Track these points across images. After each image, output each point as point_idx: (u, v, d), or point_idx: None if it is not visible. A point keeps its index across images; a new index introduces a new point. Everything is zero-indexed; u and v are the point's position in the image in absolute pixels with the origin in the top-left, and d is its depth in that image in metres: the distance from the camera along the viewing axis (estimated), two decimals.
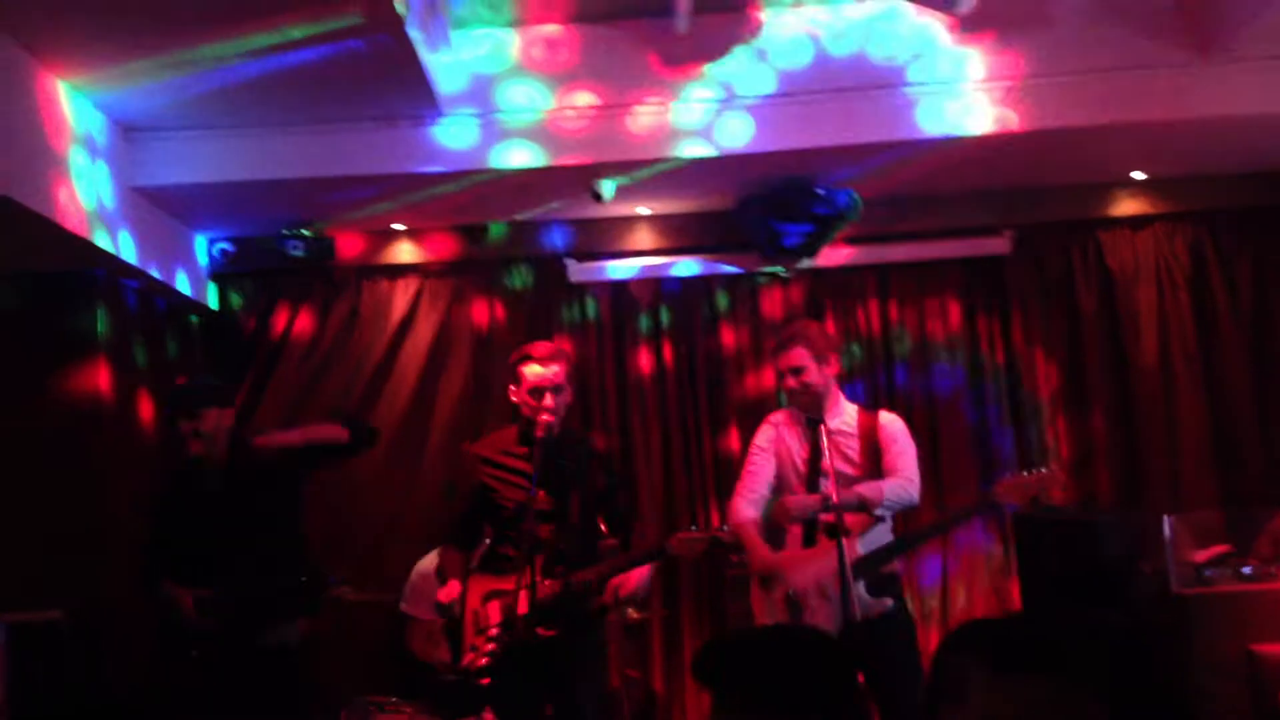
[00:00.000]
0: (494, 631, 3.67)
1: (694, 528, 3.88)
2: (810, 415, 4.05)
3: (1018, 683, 1.35)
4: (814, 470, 4.06)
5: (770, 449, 4.17)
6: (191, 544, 4.11)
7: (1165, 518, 4.65)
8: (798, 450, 4.13)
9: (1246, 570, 4.48)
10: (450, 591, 3.83)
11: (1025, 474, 3.92)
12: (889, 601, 3.90)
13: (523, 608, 3.72)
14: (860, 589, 3.82)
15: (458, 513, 4.05)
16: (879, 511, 3.96)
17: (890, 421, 4.11)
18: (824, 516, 3.90)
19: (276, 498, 4.19)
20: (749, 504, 4.14)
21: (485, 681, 3.87)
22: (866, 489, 3.92)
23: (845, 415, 4.11)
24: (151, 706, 4.35)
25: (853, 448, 4.04)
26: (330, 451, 4.24)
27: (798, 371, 4.04)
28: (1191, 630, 4.37)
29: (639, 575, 3.92)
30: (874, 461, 4.03)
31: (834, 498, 3.70)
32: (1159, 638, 4.53)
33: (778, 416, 4.27)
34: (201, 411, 4.05)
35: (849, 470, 4.01)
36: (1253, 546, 4.74)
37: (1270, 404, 5.73)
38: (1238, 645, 4.30)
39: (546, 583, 3.75)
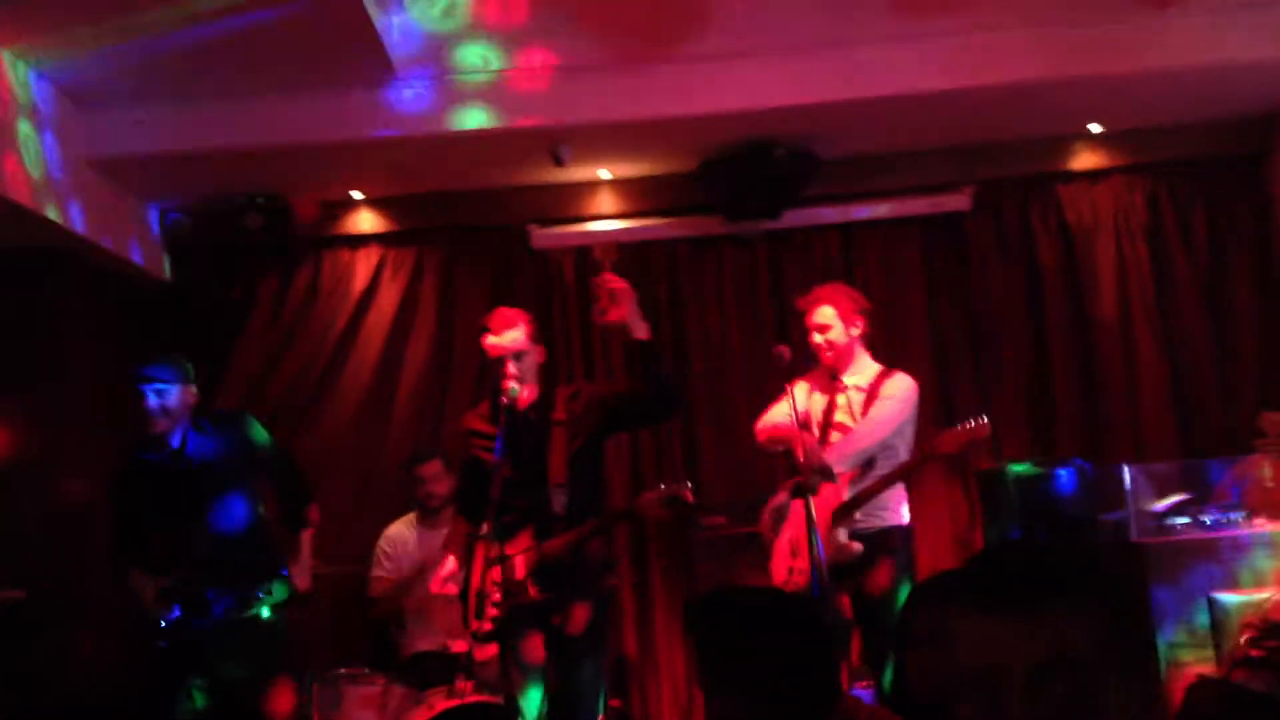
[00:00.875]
0: (496, 596, 3.67)
1: (662, 487, 3.89)
2: (831, 371, 4.29)
3: (1005, 621, 1.35)
4: (826, 424, 4.29)
5: (794, 395, 4.18)
6: (156, 524, 4.08)
7: (1125, 467, 4.70)
8: (815, 405, 4.33)
9: (1207, 519, 4.53)
10: (449, 571, 3.92)
11: (959, 426, 4.04)
12: (857, 546, 4.05)
13: (520, 571, 3.75)
14: (841, 534, 4.03)
15: (460, 489, 4.12)
16: (841, 468, 4.06)
17: (892, 380, 4.26)
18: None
19: (238, 477, 4.17)
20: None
21: (491, 651, 3.87)
22: (827, 452, 4.09)
23: (864, 374, 4.29)
24: (118, 684, 4.32)
25: (858, 404, 4.24)
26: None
27: (823, 330, 4.26)
28: (1152, 578, 4.42)
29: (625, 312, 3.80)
30: None
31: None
32: (1119, 585, 4.59)
33: (812, 374, 4.42)
34: (166, 388, 4.02)
35: (850, 425, 4.22)
36: (1211, 494, 4.80)
37: (1228, 352, 5.79)
38: (1198, 593, 4.36)
39: (547, 544, 3.77)
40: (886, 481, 4.09)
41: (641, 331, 3.80)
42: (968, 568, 1.51)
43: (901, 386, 4.23)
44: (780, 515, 4.29)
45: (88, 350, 5.01)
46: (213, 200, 5.52)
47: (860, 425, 4.19)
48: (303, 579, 4.28)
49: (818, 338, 4.28)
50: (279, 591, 4.12)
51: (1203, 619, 4.35)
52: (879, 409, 4.20)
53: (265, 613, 4.07)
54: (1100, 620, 1.36)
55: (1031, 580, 1.39)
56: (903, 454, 4.17)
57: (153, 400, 4.01)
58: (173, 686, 3.96)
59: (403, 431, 5.73)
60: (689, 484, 3.85)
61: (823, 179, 5.59)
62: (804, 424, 4.10)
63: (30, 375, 4.75)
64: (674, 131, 5.18)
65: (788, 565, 4.26)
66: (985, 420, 3.98)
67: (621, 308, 3.75)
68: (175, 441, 4.09)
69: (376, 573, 5.30)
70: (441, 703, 4.54)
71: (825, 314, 4.26)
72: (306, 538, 4.34)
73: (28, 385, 4.73)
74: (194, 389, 4.18)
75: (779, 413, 4.29)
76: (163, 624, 3.93)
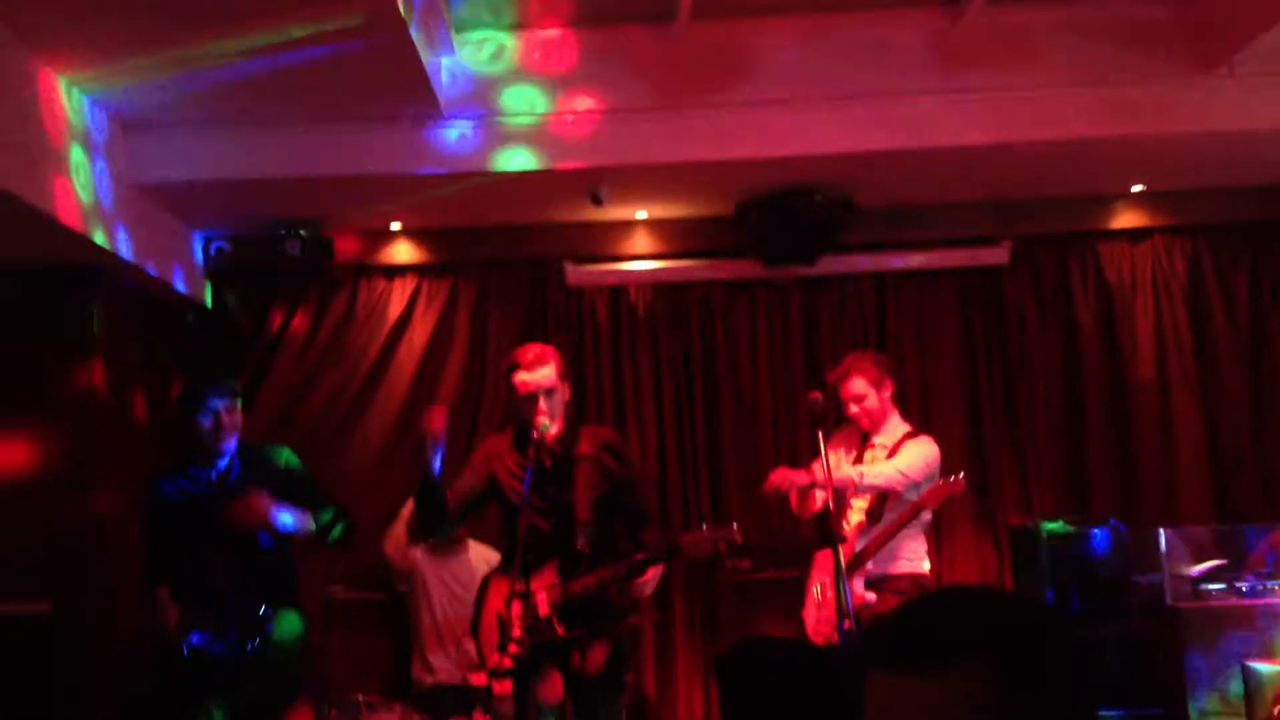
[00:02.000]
0: (518, 632, 3.64)
1: (704, 526, 3.88)
2: (864, 434, 4.58)
3: (909, 681, 1.35)
4: None
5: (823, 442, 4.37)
6: (185, 548, 4.09)
7: (1160, 530, 4.66)
8: (845, 463, 4.56)
9: (1242, 585, 4.48)
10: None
11: (938, 481, 4.32)
12: (871, 596, 4.24)
13: (544, 609, 3.73)
14: (857, 585, 4.21)
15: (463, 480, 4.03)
16: (861, 486, 4.33)
17: (917, 440, 4.51)
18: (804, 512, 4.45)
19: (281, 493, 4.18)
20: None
21: (508, 686, 3.85)
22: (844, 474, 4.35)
23: (892, 434, 4.54)
24: (139, 701, 4.33)
25: (882, 460, 4.47)
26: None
27: (859, 399, 4.53)
28: (1186, 643, 4.37)
29: (653, 574, 3.90)
30: None
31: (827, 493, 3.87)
32: (1153, 650, 4.54)
33: (845, 432, 4.72)
34: (227, 405, 4.06)
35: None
36: (1247, 561, 4.75)
37: (1266, 418, 5.74)
38: (1232, 659, 4.31)
39: (575, 582, 3.76)
40: (889, 533, 4.30)
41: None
42: (894, 622, 1.50)
43: (927, 449, 4.46)
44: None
45: (125, 369, 5.06)
46: (255, 227, 5.58)
47: (878, 465, 4.41)
48: None
49: (854, 408, 4.55)
50: (290, 624, 4.10)
51: (1236, 687, 4.30)
52: (902, 459, 4.40)
53: (281, 636, 4.07)
54: (993, 682, 1.35)
55: (937, 639, 1.39)
56: None
57: (207, 421, 4.04)
58: (192, 707, 3.96)
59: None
60: (735, 524, 3.85)
61: (861, 227, 5.60)
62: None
63: (68, 390, 4.79)
64: (713, 175, 5.19)
65: (815, 617, 4.34)
66: (961, 476, 4.28)
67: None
68: (218, 469, 4.11)
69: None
70: None
71: (858, 386, 4.53)
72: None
73: (65, 399, 4.78)
74: (241, 410, 4.21)
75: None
76: (184, 651, 3.94)
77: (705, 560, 4.09)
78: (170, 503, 4.14)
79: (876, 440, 4.54)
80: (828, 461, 3.97)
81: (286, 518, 3.99)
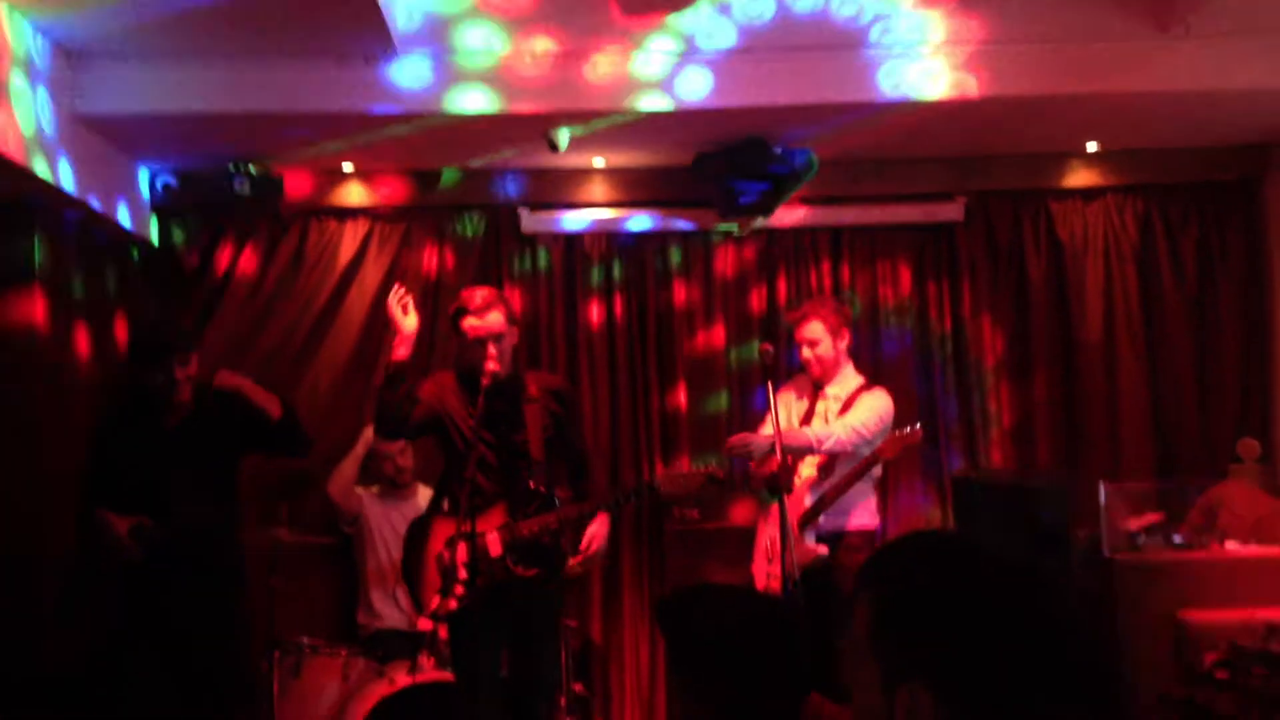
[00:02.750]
0: (463, 574, 3.63)
1: (685, 463, 3.92)
2: (816, 382, 4.53)
3: None
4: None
5: (773, 393, 4.40)
6: (137, 478, 4.06)
7: (1101, 485, 4.73)
8: (795, 411, 4.54)
9: (1177, 539, 4.56)
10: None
11: (895, 432, 4.31)
12: (823, 549, 4.27)
13: (495, 549, 3.73)
14: (808, 538, 4.26)
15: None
16: (819, 450, 4.31)
17: (872, 393, 4.48)
18: (761, 471, 4.33)
19: (225, 444, 4.15)
20: None
21: (445, 631, 3.85)
22: (795, 433, 4.32)
23: (845, 385, 4.53)
24: (85, 644, 4.29)
25: (834, 414, 4.45)
26: (258, 427, 4.20)
27: (813, 345, 4.47)
28: (1121, 595, 4.45)
29: (604, 534, 3.92)
30: None
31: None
32: (1091, 602, 4.62)
33: (797, 380, 4.69)
34: (183, 359, 4.04)
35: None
36: (1185, 516, 4.84)
37: (1210, 377, 5.83)
38: (1166, 611, 4.39)
39: (532, 522, 3.76)
40: (842, 487, 4.22)
41: None
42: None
43: (881, 403, 4.43)
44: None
45: (68, 304, 4.96)
46: (203, 164, 5.47)
47: (833, 425, 4.36)
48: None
49: (806, 353, 4.50)
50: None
51: (1170, 638, 4.38)
52: (856, 415, 4.37)
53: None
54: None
55: None
56: None
57: (161, 377, 4.01)
58: (133, 662, 3.94)
59: None
60: (714, 462, 3.89)
61: (818, 180, 5.58)
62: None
63: (7, 324, 4.69)
64: (671, 124, 5.15)
65: (765, 570, 4.35)
66: (919, 428, 4.27)
67: None
68: (175, 413, 4.09)
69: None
70: (402, 678, 4.54)
71: (814, 330, 4.47)
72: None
73: (4, 334, 4.68)
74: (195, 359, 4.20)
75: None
76: (138, 551, 3.92)
77: (683, 496, 4.10)
78: (120, 438, 4.11)
79: (829, 390, 4.51)
80: (777, 414, 4.00)
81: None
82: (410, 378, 3.92)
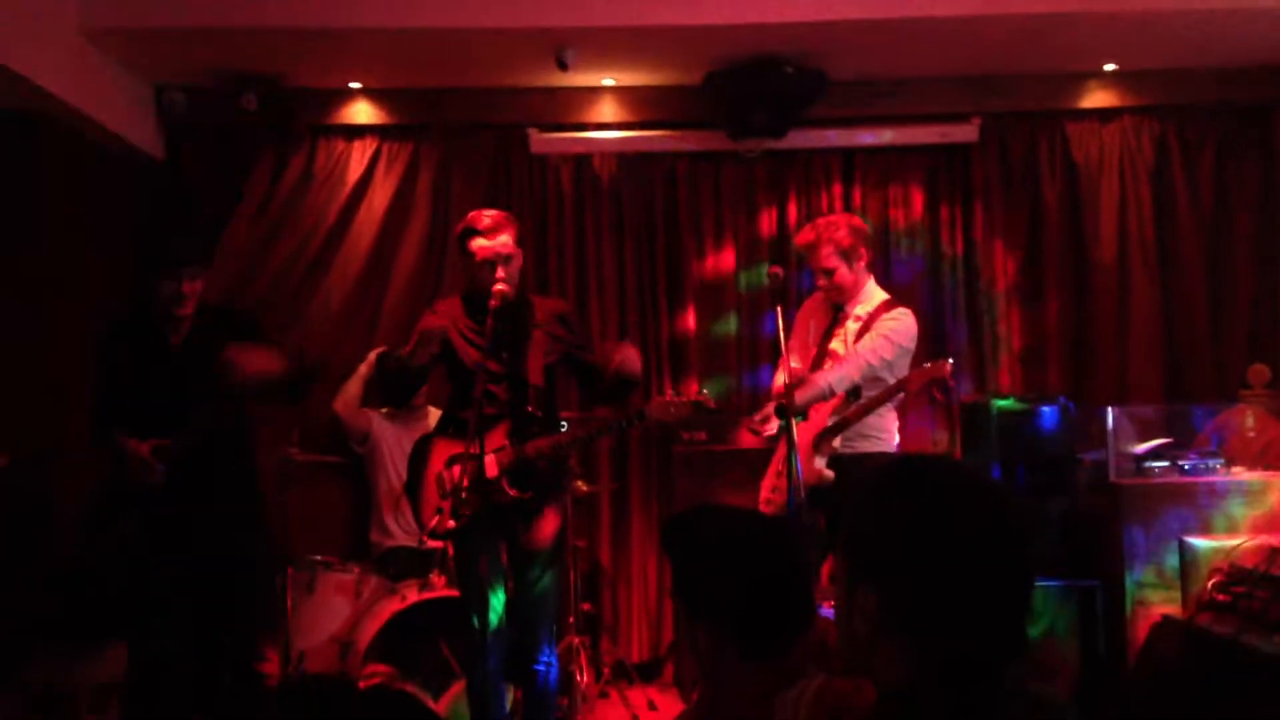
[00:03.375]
0: (463, 495, 3.66)
1: (670, 393, 3.91)
2: (837, 303, 4.34)
3: None
4: (821, 350, 4.33)
5: (797, 327, 4.40)
6: (145, 397, 4.07)
7: (1109, 409, 4.73)
8: (814, 330, 4.39)
9: (1184, 464, 4.57)
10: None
11: (925, 364, 4.10)
12: (829, 473, 4.15)
13: (491, 470, 3.75)
14: (818, 461, 4.13)
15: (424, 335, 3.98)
16: (819, 391, 4.13)
17: (891, 315, 4.25)
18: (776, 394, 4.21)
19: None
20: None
21: (449, 547, 3.90)
22: (814, 378, 4.16)
23: (869, 303, 4.31)
24: (97, 553, 4.34)
25: (853, 334, 4.26)
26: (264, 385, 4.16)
27: (829, 273, 4.26)
28: (1126, 518, 4.46)
29: (636, 357, 3.90)
30: None
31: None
32: (1094, 525, 4.65)
33: (816, 298, 4.49)
34: (194, 272, 4.00)
35: (842, 352, 4.25)
36: (1193, 440, 4.84)
37: (1222, 302, 5.80)
38: (1170, 535, 4.41)
39: (529, 444, 3.78)
40: (862, 411, 4.14)
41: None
42: None
43: (900, 325, 4.23)
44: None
45: (77, 221, 4.95)
46: (212, 80, 5.42)
47: (849, 354, 4.21)
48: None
49: (823, 281, 4.31)
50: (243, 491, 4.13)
51: (1172, 561, 4.41)
52: (870, 342, 4.21)
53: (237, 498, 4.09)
54: None
55: None
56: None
57: (170, 287, 3.98)
58: (147, 565, 3.98)
59: (390, 327, 5.70)
60: (704, 391, 3.88)
61: (830, 101, 5.51)
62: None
63: (16, 242, 4.69)
64: (682, 41, 5.08)
65: (771, 485, 4.34)
66: (949, 361, 4.05)
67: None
68: (177, 332, 4.08)
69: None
70: (414, 594, 4.61)
71: (828, 257, 4.25)
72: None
73: (14, 251, 4.68)
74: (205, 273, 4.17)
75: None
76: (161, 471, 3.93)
77: (673, 424, 4.06)
78: (126, 357, 4.11)
79: (852, 310, 4.31)
80: (786, 340, 3.95)
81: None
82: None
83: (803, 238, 4.40)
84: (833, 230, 4.29)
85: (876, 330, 4.22)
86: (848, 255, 4.26)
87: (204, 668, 4.05)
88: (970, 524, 1.42)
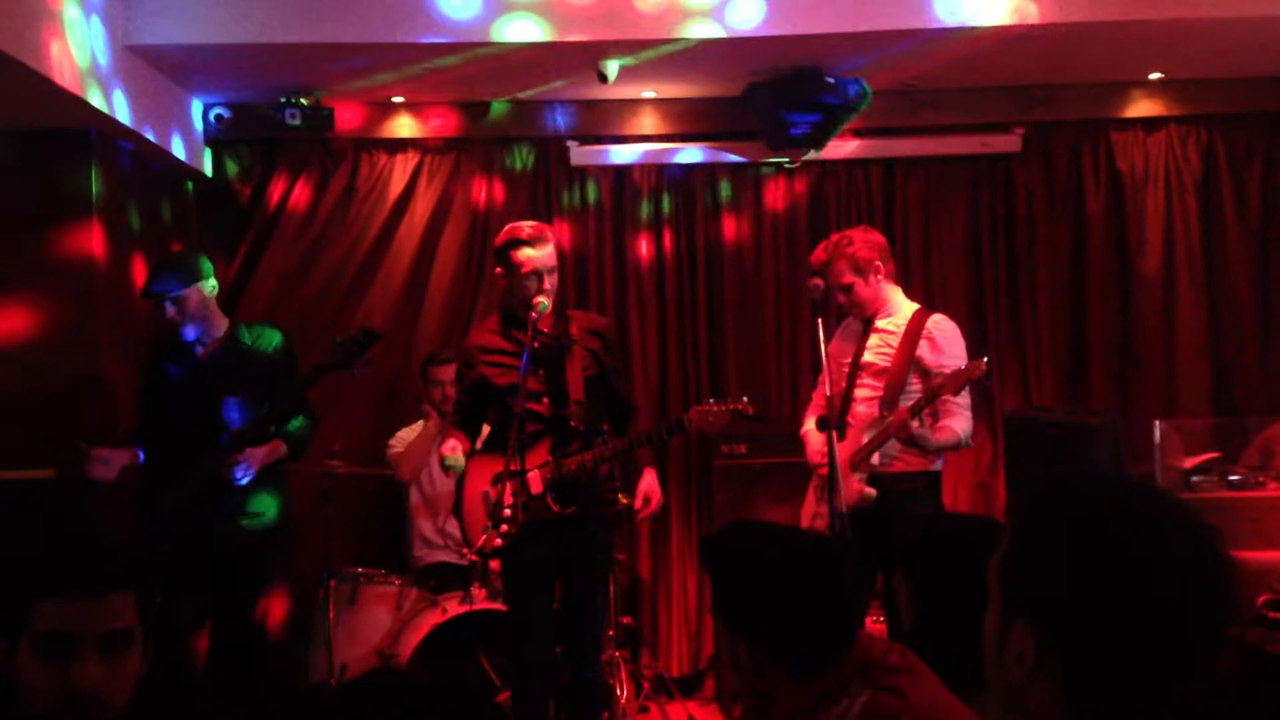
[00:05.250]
0: (508, 511, 3.67)
1: (711, 402, 3.89)
2: (862, 318, 4.28)
3: None
4: (854, 368, 4.25)
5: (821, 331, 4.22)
6: (171, 412, 4.13)
7: (1156, 422, 4.66)
8: (841, 349, 4.32)
9: (1233, 478, 4.50)
10: (452, 447, 3.88)
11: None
12: (871, 492, 4.03)
13: (536, 487, 3.76)
14: (856, 479, 4.03)
15: (460, 403, 4.10)
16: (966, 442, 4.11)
17: (938, 323, 4.16)
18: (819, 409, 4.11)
19: (261, 381, 4.19)
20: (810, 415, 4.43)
21: (496, 563, 3.92)
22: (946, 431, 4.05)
23: (897, 316, 4.23)
24: (114, 556, 4.37)
25: (891, 345, 4.17)
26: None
27: (845, 289, 4.22)
28: None
29: (657, 488, 3.95)
30: (909, 359, 4.12)
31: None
32: None
33: (847, 320, 4.44)
34: (174, 296, 4.06)
35: (880, 364, 4.17)
36: (1241, 455, 4.76)
37: (1271, 314, 5.72)
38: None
39: (571, 459, 3.79)
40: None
41: None
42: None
43: (950, 331, 4.17)
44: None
45: (124, 235, 5.02)
46: (255, 95, 5.48)
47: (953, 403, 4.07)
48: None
49: (841, 298, 4.26)
50: (264, 505, 4.15)
51: None
52: (959, 405, 4.07)
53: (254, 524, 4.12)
54: None
55: None
56: None
57: (170, 309, 4.08)
58: (173, 589, 4.03)
59: (430, 340, 5.74)
60: (745, 399, 3.85)
61: (872, 111, 5.49)
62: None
63: (66, 254, 4.76)
64: (722, 53, 5.08)
65: (812, 513, 4.27)
66: (983, 360, 3.92)
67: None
68: (199, 350, 4.14)
69: (393, 452, 5.41)
70: (455, 608, 4.63)
71: (843, 272, 4.20)
72: (270, 447, 4.18)
73: (64, 264, 4.75)
74: (210, 283, 4.20)
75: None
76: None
77: (713, 433, 4.02)
78: (162, 379, 4.19)
79: (880, 324, 4.23)
80: (825, 350, 3.90)
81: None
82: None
83: (817, 256, 4.36)
84: (845, 246, 4.24)
85: (943, 353, 4.12)
86: (862, 270, 4.20)
87: (215, 622, 4.13)
88: (1179, 563, 1.20)
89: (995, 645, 1.27)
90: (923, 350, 4.12)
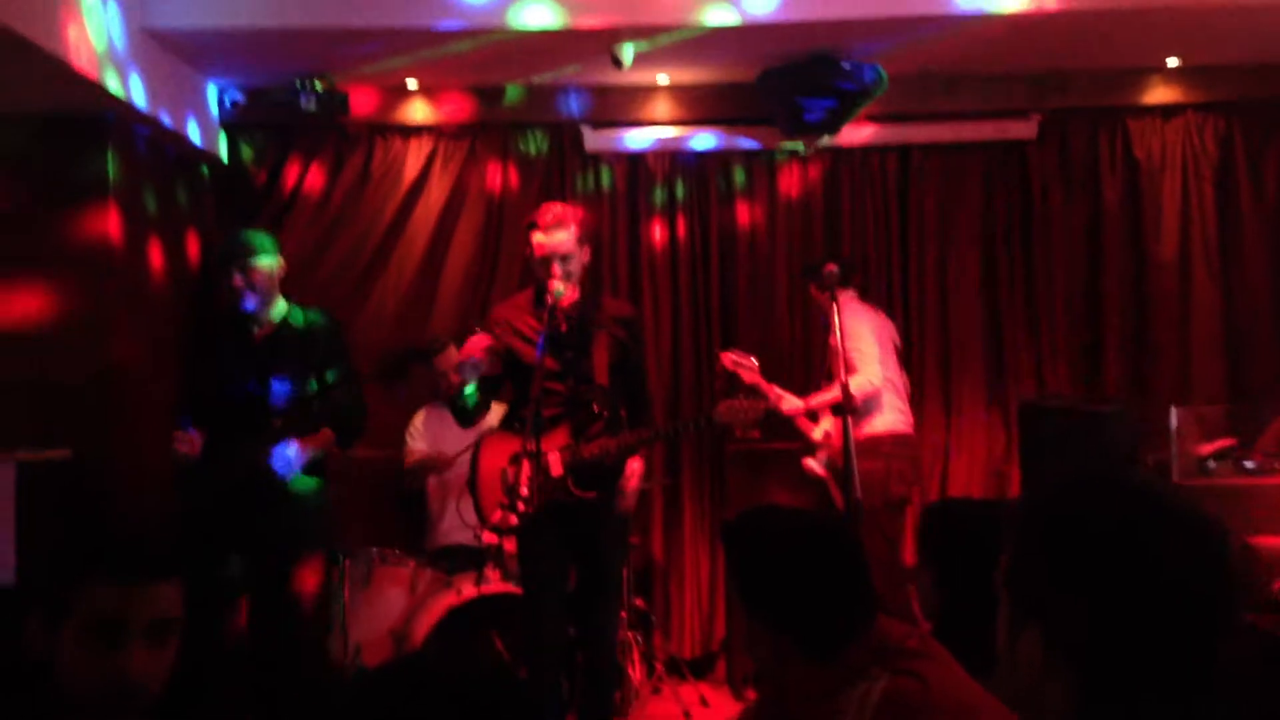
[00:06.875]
0: (525, 491, 3.67)
1: (742, 395, 3.90)
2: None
3: None
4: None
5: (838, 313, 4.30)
6: (221, 395, 4.14)
7: (1172, 409, 4.66)
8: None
9: (1249, 464, 4.49)
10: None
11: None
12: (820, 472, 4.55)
13: (556, 469, 3.77)
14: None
15: (487, 376, 4.07)
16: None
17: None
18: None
19: (310, 363, 4.20)
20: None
21: (510, 545, 3.92)
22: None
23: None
24: (157, 545, 4.40)
25: None
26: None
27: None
28: None
29: (640, 471, 3.94)
30: None
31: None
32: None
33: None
34: (253, 263, 4.08)
35: None
36: (1258, 441, 4.75)
37: None
38: (1235, 537, 4.33)
39: (593, 444, 3.79)
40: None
41: None
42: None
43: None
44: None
45: (141, 218, 5.04)
46: (270, 80, 5.48)
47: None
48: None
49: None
50: (303, 481, 4.16)
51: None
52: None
53: (302, 485, 4.13)
54: None
55: None
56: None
57: (238, 278, 4.08)
58: (211, 552, 4.05)
59: (444, 325, 5.75)
60: (769, 398, 3.88)
61: (886, 97, 5.47)
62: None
63: (83, 238, 4.78)
64: (737, 39, 5.06)
65: None
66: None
67: None
68: (255, 329, 4.15)
69: (410, 447, 5.43)
70: (470, 589, 4.64)
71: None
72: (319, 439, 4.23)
73: (80, 248, 4.77)
74: (279, 262, 4.23)
75: None
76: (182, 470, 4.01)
77: (741, 430, 4.03)
78: (215, 353, 4.20)
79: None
80: (841, 330, 3.94)
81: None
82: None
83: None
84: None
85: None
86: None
87: (256, 603, 4.16)
88: (1177, 563, 1.20)
89: (1007, 648, 1.28)
90: None
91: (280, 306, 4.27)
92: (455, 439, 5.35)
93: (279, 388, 4.11)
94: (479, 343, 3.85)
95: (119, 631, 1.72)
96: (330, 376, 4.19)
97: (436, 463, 5.26)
